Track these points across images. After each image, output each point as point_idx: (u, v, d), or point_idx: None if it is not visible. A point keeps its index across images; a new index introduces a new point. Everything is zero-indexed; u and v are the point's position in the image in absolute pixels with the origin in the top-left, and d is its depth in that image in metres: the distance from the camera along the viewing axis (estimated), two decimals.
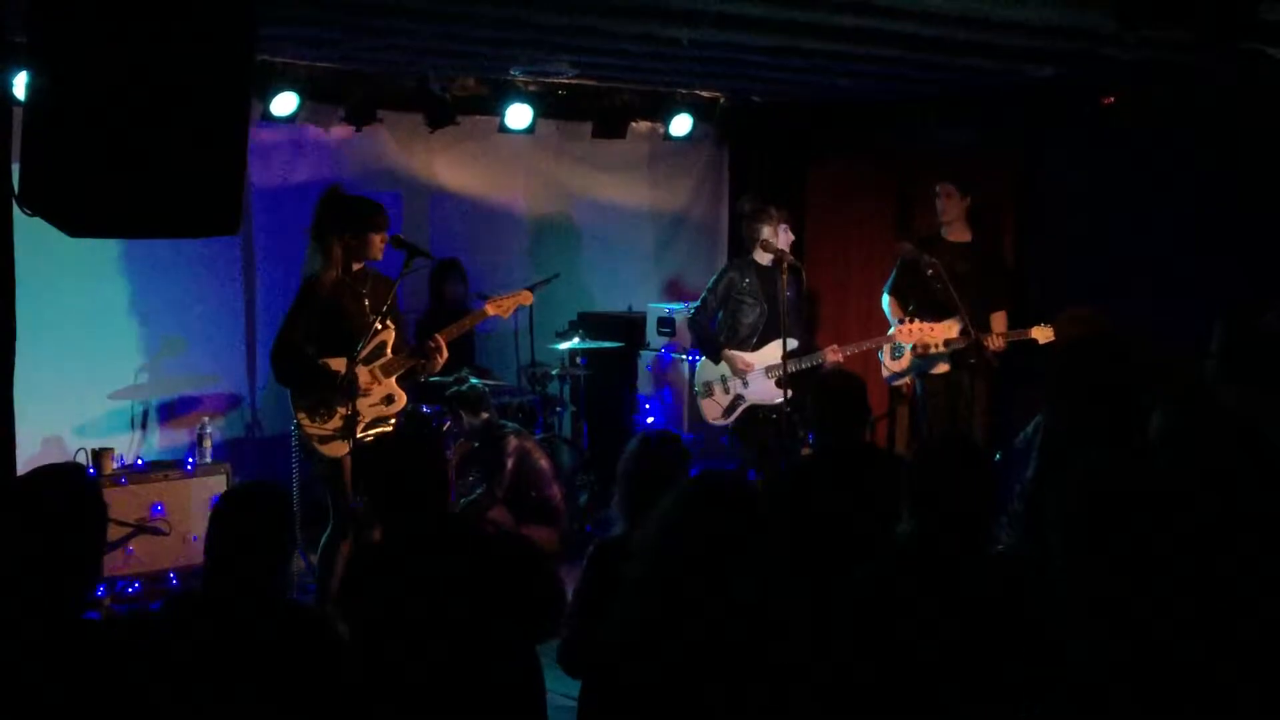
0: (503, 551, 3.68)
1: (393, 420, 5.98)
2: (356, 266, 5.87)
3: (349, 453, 5.72)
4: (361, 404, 5.76)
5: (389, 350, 5.93)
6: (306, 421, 5.82)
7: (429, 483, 3.64)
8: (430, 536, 3.59)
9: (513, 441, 7.06)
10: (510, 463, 7.00)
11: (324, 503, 6.00)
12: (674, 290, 9.53)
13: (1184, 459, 3.23)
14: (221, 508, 3.40)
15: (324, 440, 5.80)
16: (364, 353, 5.77)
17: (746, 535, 2.77)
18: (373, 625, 3.52)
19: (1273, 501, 3.07)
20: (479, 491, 6.98)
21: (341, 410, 5.73)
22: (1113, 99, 7.29)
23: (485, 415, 7.05)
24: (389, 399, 5.94)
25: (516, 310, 6.53)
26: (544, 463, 7.18)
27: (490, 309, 6.33)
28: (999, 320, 7.05)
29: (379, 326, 5.80)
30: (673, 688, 2.77)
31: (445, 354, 5.98)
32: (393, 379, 5.94)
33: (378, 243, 5.83)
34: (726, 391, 7.22)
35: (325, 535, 5.87)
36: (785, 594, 2.82)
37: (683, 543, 2.79)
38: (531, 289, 6.68)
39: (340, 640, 3.44)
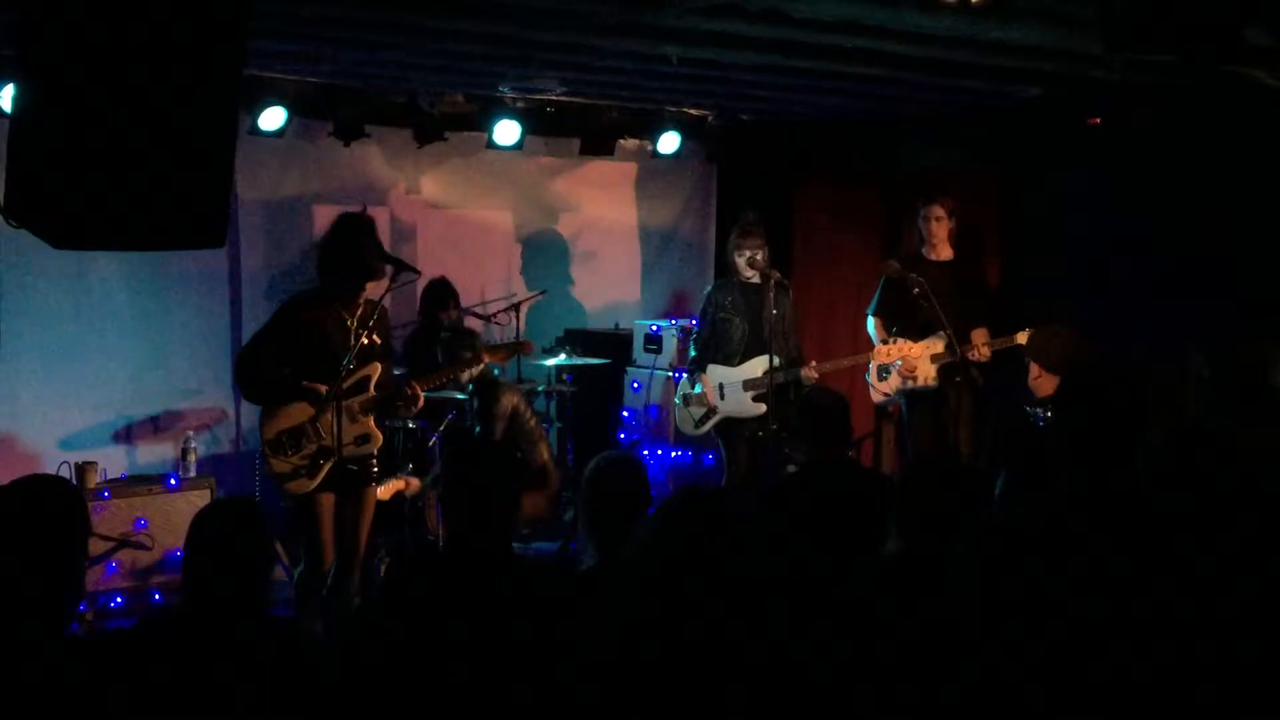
0: (548, 584, 3.53)
1: (365, 460, 5.66)
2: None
3: (314, 490, 5.49)
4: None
5: (372, 387, 5.62)
6: (272, 458, 5.53)
7: (508, 503, 3.53)
8: (489, 558, 3.45)
9: (505, 402, 7.25)
10: (500, 427, 7.22)
11: (289, 537, 5.86)
12: (661, 308, 9.54)
13: (1176, 483, 3.24)
14: (193, 526, 3.37)
15: (289, 478, 5.51)
16: (346, 384, 5.49)
17: (730, 553, 2.76)
18: (402, 638, 3.41)
19: (1267, 524, 3.08)
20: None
21: (311, 446, 5.49)
22: (1099, 120, 7.32)
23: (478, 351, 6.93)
24: (364, 438, 5.61)
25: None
26: (533, 423, 7.40)
27: (464, 374, 6.69)
28: (980, 334, 7.05)
29: (365, 341, 5.52)
30: (659, 708, 2.75)
31: (421, 403, 5.82)
32: (370, 418, 5.62)
33: (368, 288, 5.57)
34: (701, 404, 7.26)
35: (298, 574, 5.64)
36: (770, 611, 2.81)
37: (668, 562, 2.77)
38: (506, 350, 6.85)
39: (321, 653, 3.40)
